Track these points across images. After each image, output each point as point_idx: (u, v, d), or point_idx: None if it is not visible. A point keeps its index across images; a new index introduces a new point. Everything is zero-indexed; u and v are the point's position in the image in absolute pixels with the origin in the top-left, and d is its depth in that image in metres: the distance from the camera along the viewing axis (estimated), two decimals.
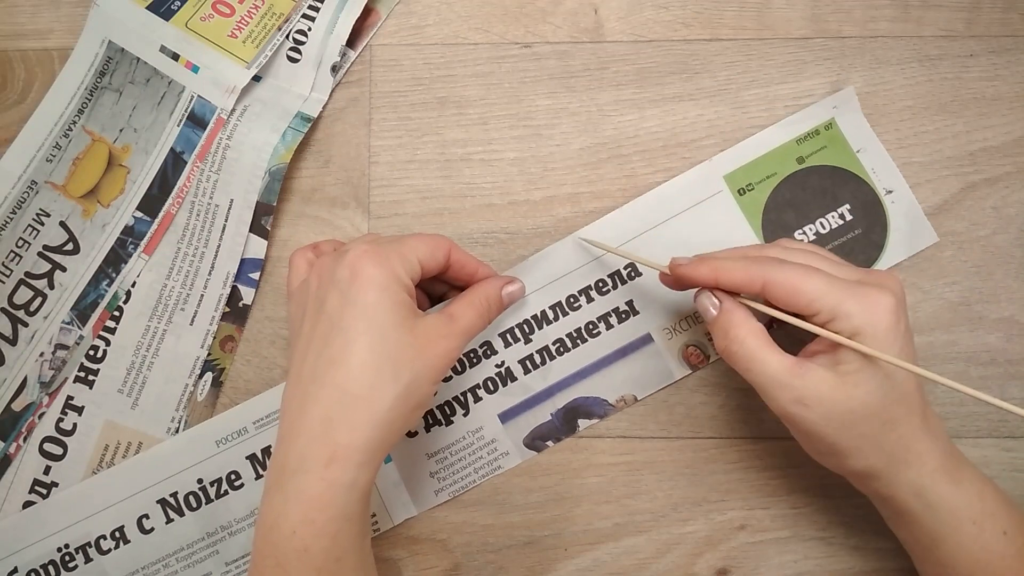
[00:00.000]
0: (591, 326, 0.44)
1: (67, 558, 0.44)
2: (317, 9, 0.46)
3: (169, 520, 0.44)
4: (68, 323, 0.45)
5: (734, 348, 0.36)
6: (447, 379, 0.44)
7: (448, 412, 0.44)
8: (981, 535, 0.35)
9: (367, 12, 0.46)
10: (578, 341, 0.44)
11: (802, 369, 0.34)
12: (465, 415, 0.44)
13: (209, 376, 0.45)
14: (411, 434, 0.44)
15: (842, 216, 0.45)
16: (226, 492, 0.44)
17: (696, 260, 0.37)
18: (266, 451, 0.44)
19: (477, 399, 0.44)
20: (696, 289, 0.38)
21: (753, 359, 0.35)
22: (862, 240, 0.44)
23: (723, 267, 0.36)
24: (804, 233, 0.45)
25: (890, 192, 0.45)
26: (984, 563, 0.35)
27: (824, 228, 0.45)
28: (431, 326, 0.36)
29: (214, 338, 0.45)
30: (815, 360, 0.35)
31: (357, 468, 0.33)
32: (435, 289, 0.42)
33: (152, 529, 0.44)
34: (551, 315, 0.45)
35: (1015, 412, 0.33)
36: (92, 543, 0.44)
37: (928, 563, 0.37)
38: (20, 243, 0.45)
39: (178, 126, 0.46)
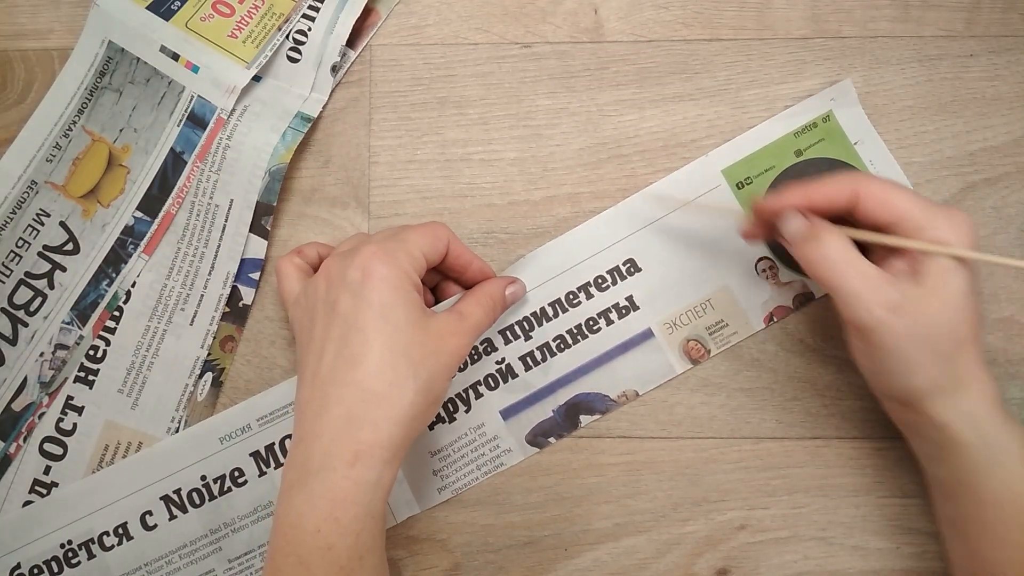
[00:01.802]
0: (591, 322, 0.44)
1: (70, 554, 0.44)
2: (317, 9, 0.46)
3: (172, 517, 0.44)
4: (68, 323, 0.45)
5: (827, 252, 0.36)
6: None
7: (450, 409, 0.44)
8: None
9: (367, 12, 0.46)
10: (579, 337, 0.44)
11: (894, 279, 0.35)
12: (467, 412, 0.44)
13: (209, 376, 0.45)
14: None
15: None
16: (229, 489, 0.44)
17: (781, 190, 0.38)
18: (270, 448, 0.44)
19: (479, 396, 0.44)
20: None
21: (849, 263, 0.35)
22: None
23: (811, 186, 0.37)
24: None
25: None
26: None
27: None
28: (443, 323, 0.37)
29: (214, 338, 0.45)
30: (899, 276, 0.36)
31: (382, 465, 0.34)
32: (428, 279, 0.42)
33: (155, 526, 0.44)
34: (551, 312, 0.45)
35: None
36: (95, 539, 0.44)
37: (965, 502, 0.37)
38: (20, 243, 0.45)
39: (178, 126, 0.46)
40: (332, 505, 0.33)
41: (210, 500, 0.44)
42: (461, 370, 0.44)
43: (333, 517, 0.33)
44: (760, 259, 0.44)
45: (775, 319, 0.44)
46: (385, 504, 0.35)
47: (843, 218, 0.37)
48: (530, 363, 0.44)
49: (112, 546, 0.44)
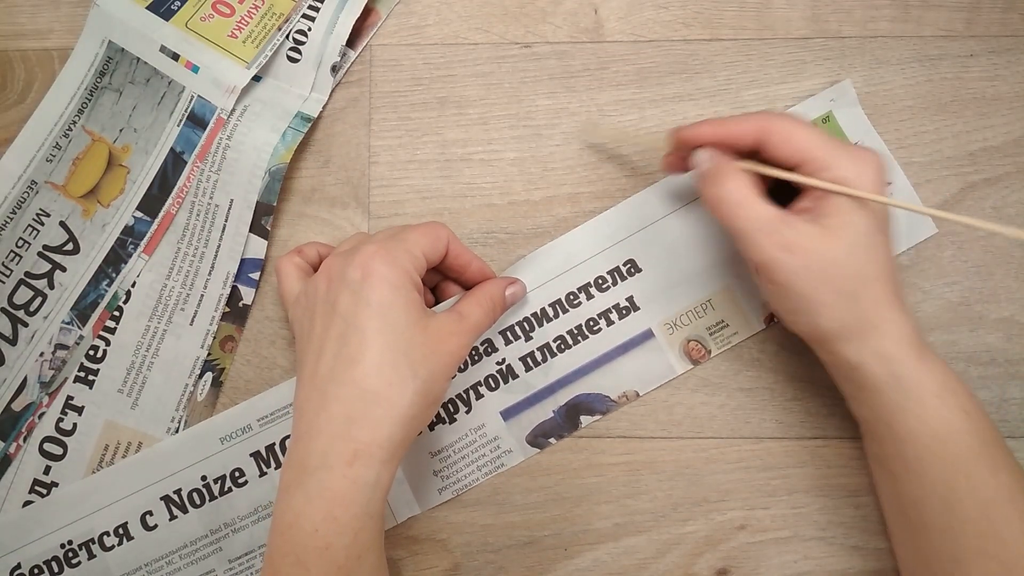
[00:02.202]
0: (592, 323, 0.44)
1: (70, 554, 0.44)
2: (317, 9, 0.46)
3: (173, 517, 0.44)
4: (68, 323, 0.45)
5: (723, 194, 0.37)
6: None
7: (451, 410, 0.44)
8: (942, 409, 0.35)
9: (367, 12, 0.46)
10: (579, 338, 0.44)
11: (789, 218, 0.36)
12: (467, 413, 0.44)
13: (209, 376, 0.45)
14: None
15: None
16: (230, 489, 0.44)
17: (681, 129, 0.39)
18: (270, 448, 0.44)
19: (479, 396, 0.44)
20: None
21: (742, 204, 0.36)
22: None
23: (722, 121, 0.38)
24: None
25: (889, 183, 0.45)
26: (942, 437, 0.35)
27: None
28: (443, 324, 0.37)
29: (214, 338, 0.45)
30: (800, 215, 0.36)
31: (380, 465, 0.34)
32: (427, 279, 0.42)
33: (155, 526, 0.44)
34: (551, 312, 0.45)
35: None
36: (95, 540, 0.44)
37: (886, 441, 0.37)
38: (20, 243, 0.45)
39: (178, 126, 0.46)
40: (330, 504, 0.33)
41: (210, 500, 0.44)
42: (461, 370, 0.44)
43: (331, 516, 0.33)
44: None
45: (776, 319, 0.44)
46: (384, 503, 0.35)
47: (754, 153, 0.38)
48: (530, 364, 0.44)
49: (112, 546, 0.44)
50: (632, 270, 0.45)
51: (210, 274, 0.45)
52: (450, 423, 0.44)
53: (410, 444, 0.37)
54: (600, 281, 0.45)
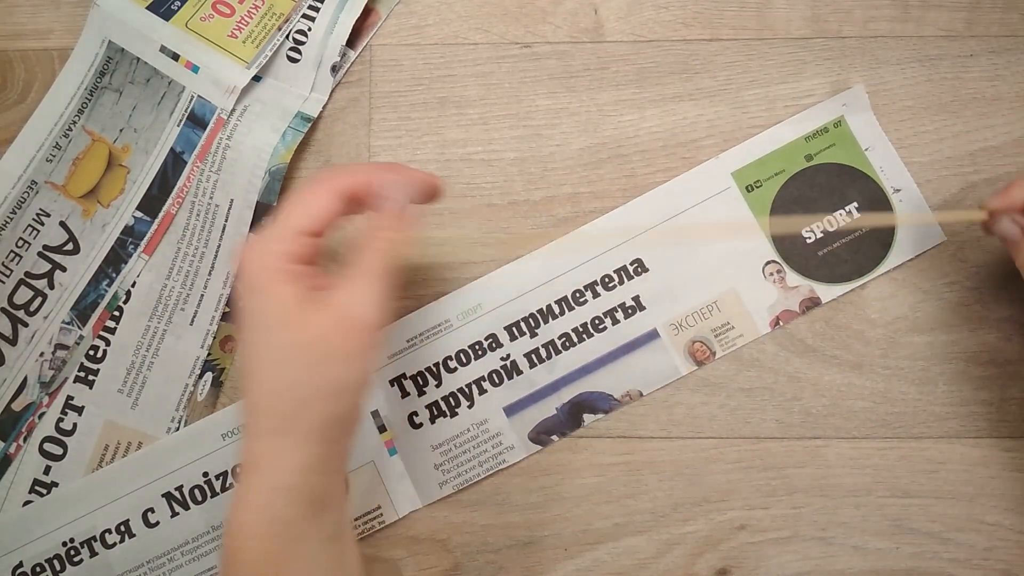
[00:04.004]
0: (597, 321, 0.45)
1: (72, 552, 0.44)
2: (317, 9, 0.46)
3: (174, 514, 0.44)
4: (68, 323, 0.45)
5: None
6: (452, 371, 0.44)
7: (453, 404, 0.44)
8: None
9: (367, 12, 0.46)
10: (584, 336, 0.45)
11: None
12: (470, 407, 0.44)
13: (209, 376, 0.45)
14: (416, 426, 0.44)
15: (850, 214, 0.45)
16: (231, 485, 0.44)
17: (1010, 184, 0.38)
18: None
19: (482, 392, 0.44)
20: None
21: None
22: (869, 238, 0.44)
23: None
24: (812, 231, 0.45)
25: (898, 191, 0.45)
26: None
27: (832, 226, 0.45)
28: (324, 321, 0.33)
29: (214, 338, 0.45)
30: None
31: (284, 473, 0.33)
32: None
33: (157, 523, 0.44)
34: (557, 310, 0.45)
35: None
36: (97, 537, 0.44)
37: None
38: (20, 243, 0.45)
39: (178, 126, 0.46)
40: (244, 511, 0.33)
41: (212, 497, 0.44)
42: (464, 365, 0.44)
43: (243, 520, 0.33)
44: (768, 262, 0.45)
45: (781, 323, 0.44)
46: (307, 508, 0.33)
47: None
48: (535, 360, 0.45)
49: (114, 544, 0.44)
50: (639, 270, 0.45)
51: (210, 274, 0.45)
52: (452, 416, 0.44)
53: (328, 444, 0.34)
54: (607, 280, 0.45)
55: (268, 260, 0.33)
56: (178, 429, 0.44)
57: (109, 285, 0.45)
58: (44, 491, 0.44)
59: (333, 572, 0.35)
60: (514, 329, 0.45)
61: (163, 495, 0.44)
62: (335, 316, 0.33)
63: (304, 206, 0.34)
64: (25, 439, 0.44)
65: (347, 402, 0.34)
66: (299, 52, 0.46)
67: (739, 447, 0.44)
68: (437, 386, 0.45)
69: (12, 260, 0.45)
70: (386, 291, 0.34)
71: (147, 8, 0.46)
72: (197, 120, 0.45)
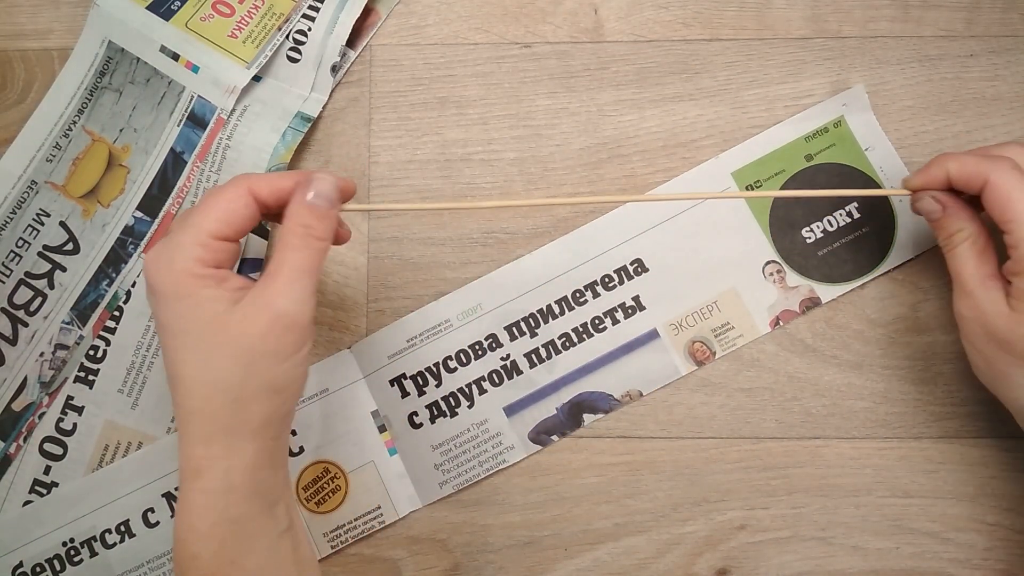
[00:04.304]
0: (597, 321, 0.45)
1: (72, 552, 0.44)
2: (317, 9, 0.46)
3: (174, 514, 0.44)
4: (68, 323, 0.45)
5: (948, 248, 0.38)
6: (452, 371, 0.44)
7: (453, 404, 0.44)
8: None
9: (367, 12, 0.46)
10: (584, 336, 0.45)
11: (989, 285, 0.36)
12: (470, 407, 0.44)
13: None
14: (416, 426, 0.44)
15: (850, 214, 0.45)
16: None
17: (930, 163, 0.38)
18: None
19: (482, 392, 0.44)
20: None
21: (957, 259, 0.38)
22: (869, 239, 0.44)
23: (955, 161, 0.37)
24: (812, 231, 0.45)
25: None
26: None
27: (832, 226, 0.45)
28: (244, 318, 0.32)
29: None
30: (1002, 281, 0.37)
31: (225, 474, 0.33)
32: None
33: (157, 523, 0.44)
34: (557, 309, 0.45)
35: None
36: (97, 537, 0.44)
37: None
38: (20, 243, 0.45)
39: (178, 126, 0.46)
40: (189, 516, 0.33)
41: None
42: (465, 365, 0.44)
43: (191, 526, 0.33)
44: (768, 262, 0.45)
45: (781, 323, 0.44)
46: (257, 506, 0.34)
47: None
48: (535, 360, 0.45)
49: (114, 544, 0.44)
50: (639, 270, 0.45)
51: None
52: (452, 416, 0.44)
53: (271, 440, 0.34)
54: (607, 280, 0.45)
55: (187, 265, 0.33)
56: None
57: (109, 285, 0.45)
58: (44, 491, 0.44)
59: (290, 563, 0.35)
60: (514, 329, 0.45)
61: (163, 495, 0.44)
62: (269, 316, 0.32)
63: (218, 210, 0.33)
64: (25, 439, 0.44)
65: (287, 399, 0.34)
66: (299, 52, 0.46)
67: (739, 447, 0.44)
68: (437, 386, 0.45)
69: (12, 260, 0.45)
70: (314, 288, 0.34)
71: (147, 8, 0.46)
72: (197, 120, 0.45)
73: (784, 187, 0.45)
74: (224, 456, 0.33)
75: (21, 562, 0.43)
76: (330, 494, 0.44)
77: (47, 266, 0.45)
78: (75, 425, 0.45)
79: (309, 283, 0.33)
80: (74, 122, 0.46)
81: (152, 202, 0.45)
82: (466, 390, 0.45)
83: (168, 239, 0.33)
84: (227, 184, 0.34)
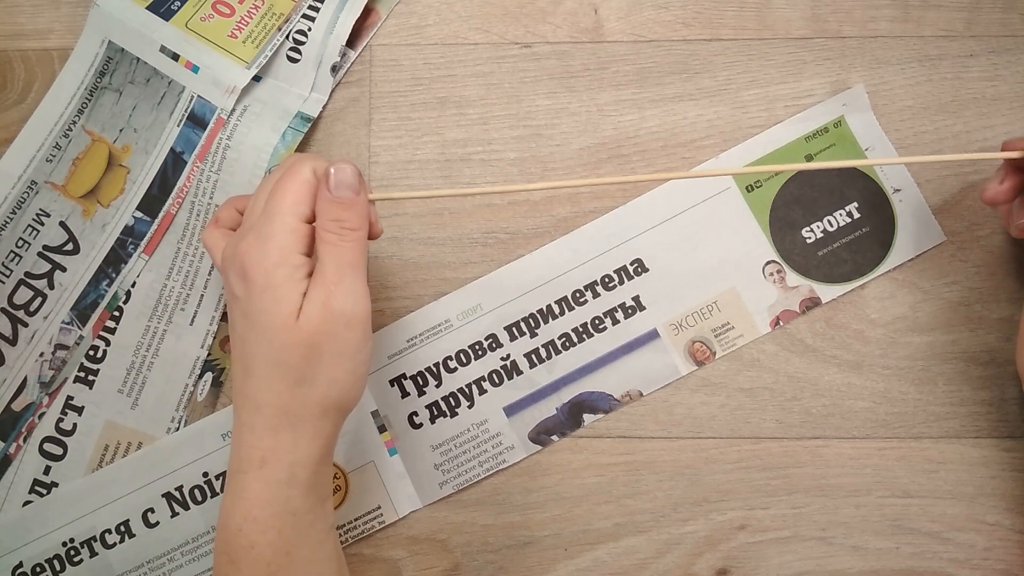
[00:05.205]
0: (597, 321, 0.45)
1: (72, 552, 0.44)
2: (317, 9, 0.46)
3: (174, 514, 0.44)
4: (68, 323, 0.45)
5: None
6: (452, 371, 0.44)
7: (453, 404, 0.44)
8: None
9: (367, 12, 0.46)
10: (584, 336, 0.45)
11: None
12: (470, 407, 0.44)
13: (209, 376, 0.45)
14: (416, 426, 0.44)
15: (850, 214, 0.45)
16: None
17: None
18: None
19: (482, 392, 0.44)
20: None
21: None
22: (869, 238, 0.44)
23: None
24: (812, 231, 0.45)
25: (898, 191, 0.45)
26: None
27: (832, 226, 0.45)
28: (311, 317, 0.33)
29: (214, 338, 0.45)
30: None
31: (290, 466, 0.34)
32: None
33: (157, 523, 0.44)
34: (557, 310, 0.45)
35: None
36: (97, 537, 0.44)
37: None
38: (20, 243, 0.45)
39: (178, 126, 0.46)
40: (249, 505, 0.34)
41: (212, 497, 0.44)
42: (465, 365, 0.44)
43: (251, 516, 0.34)
44: (768, 262, 0.45)
45: (781, 323, 0.44)
46: (311, 500, 0.35)
47: None
48: (535, 360, 0.45)
49: (114, 544, 0.44)
50: (639, 270, 0.45)
51: (210, 274, 0.45)
52: (452, 416, 0.44)
53: (331, 435, 0.35)
54: (607, 280, 0.45)
55: (284, 255, 0.33)
56: (178, 429, 0.44)
57: (109, 285, 0.45)
58: (44, 491, 0.44)
59: (334, 558, 0.37)
60: (514, 329, 0.45)
61: (163, 495, 0.44)
62: (328, 316, 0.33)
63: (295, 193, 0.34)
64: (25, 439, 0.44)
65: (350, 396, 0.35)
66: (299, 52, 0.46)
67: (739, 447, 0.44)
68: (437, 386, 0.45)
69: (12, 260, 0.45)
70: (364, 279, 0.34)
71: (147, 8, 0.46)
72: (197, 120, 0.45)
73: (784, 187, 0.45)
74: (291, 450, 0.34)
75: (21, 562, 0.43)
76: None
77: (47, 266, 0.45)
78: (75, 425, 0.45)
79: (357, 276, 0.34)
80: (74, 122, 0.46)
81: (152, 202, 0.45)
82: (466, 390, 0.45)
83: (264, 227, 0.33)
84: (288, 165, 0.34)
